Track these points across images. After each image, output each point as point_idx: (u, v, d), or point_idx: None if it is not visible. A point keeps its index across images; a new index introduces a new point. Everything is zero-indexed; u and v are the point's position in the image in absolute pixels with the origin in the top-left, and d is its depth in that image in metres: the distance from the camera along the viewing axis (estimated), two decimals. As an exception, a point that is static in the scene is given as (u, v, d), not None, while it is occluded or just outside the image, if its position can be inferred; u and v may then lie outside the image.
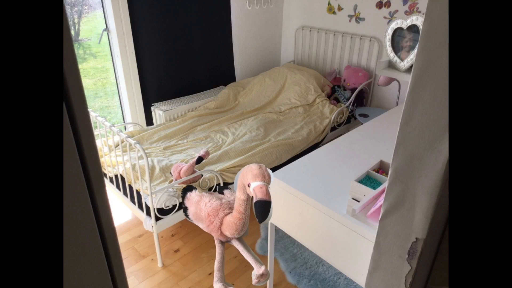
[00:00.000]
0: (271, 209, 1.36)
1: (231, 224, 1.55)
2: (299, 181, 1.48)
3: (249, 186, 1.40)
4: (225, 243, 1.72)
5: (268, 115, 2.92)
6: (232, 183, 2.21)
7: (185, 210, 1.81)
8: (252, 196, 1.40)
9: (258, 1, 3.39)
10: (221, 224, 1.60)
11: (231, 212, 1.60)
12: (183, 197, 1.83)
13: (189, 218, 1.79)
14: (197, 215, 1.70)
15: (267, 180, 1.39)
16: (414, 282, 0.65)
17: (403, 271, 0.64)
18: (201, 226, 1.72)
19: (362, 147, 1.74)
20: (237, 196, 1.50)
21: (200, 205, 1.70)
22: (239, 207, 1.51)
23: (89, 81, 3.43)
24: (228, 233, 1.59)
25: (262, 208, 1.33)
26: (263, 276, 1.50)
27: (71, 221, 0.49)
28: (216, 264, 1.61)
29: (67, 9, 2.89)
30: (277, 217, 1.58)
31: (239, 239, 1.68)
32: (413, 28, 1.99)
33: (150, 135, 2.57)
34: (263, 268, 1.51)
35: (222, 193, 1.85)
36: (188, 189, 1.84)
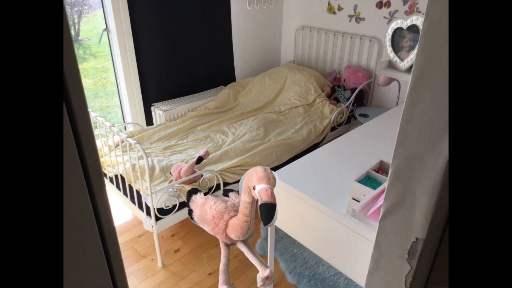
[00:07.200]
0: (276, 211, 1.36)
1: (236, 227, 1.55)
2: (299, 181, 1.48)
3: (254, 188, 1.39)
4: (230, 245, 1.72)
5: (268, 115, 2.92)
6: (232, 183, 2.21)
7: (190, 212, 1.80)
8: (257, 199, 1.39)
9: (258, 1, 3.39)
10: (226, 226, 1.60)
11: (236, 214, 1.60)
12: (188, 199, 1.83)
13: (194, 220, 1.78)
14: (202, 217, 1.70)
15: (272, 183, 1.38)
16: (414, 282, 0.65)
17: (403, 271, 0.64)
18: (206, 228, 1.71)
19: (362, 147, 1.74)
20: (242, 198, 1.50)
21: (205, 207, 1.69)
22: (244, 209, 1.50)
23: (89, 81, 3.43)
24: (233, 235, 1.58)
25: (267, 211, 1.33)
26: (268, 278, 1.50)
27: (71, 221, 0.49)
28: (221, 266, 1.61)
29: (67, 9, 2.89)
30: (277, 217, 1.58)
31: (244, 242, 1.67)
32: (413, 28, 1.99)
33: (150, 135, 2.57)
34: (268, 270, 1.51)
35: (227, 196, 1.85)
36: (193, 191, 1.84)
